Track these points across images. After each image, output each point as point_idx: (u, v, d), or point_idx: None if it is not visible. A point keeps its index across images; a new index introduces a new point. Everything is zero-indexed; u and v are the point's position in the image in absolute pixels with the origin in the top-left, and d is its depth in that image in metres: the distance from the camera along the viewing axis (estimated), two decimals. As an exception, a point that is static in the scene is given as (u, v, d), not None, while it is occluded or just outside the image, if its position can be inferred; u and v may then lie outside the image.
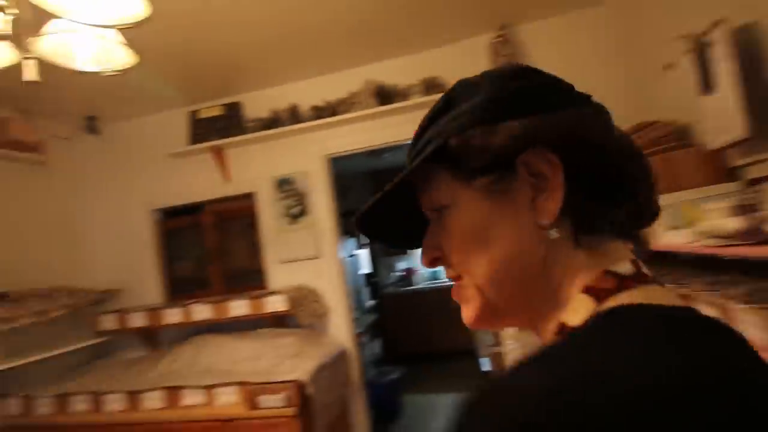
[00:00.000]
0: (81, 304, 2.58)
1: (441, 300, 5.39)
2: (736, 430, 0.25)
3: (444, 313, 5.34)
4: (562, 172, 0.36)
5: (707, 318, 0.33)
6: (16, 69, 1.21)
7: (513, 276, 0.39)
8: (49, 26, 1.16)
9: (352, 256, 4.56)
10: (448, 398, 4.13)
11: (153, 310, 2.61)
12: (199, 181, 2.90)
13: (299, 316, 2.40)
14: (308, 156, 2.73)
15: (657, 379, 0.26)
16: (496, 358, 2.22)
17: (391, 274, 5.94)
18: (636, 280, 0.35)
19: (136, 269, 2.97)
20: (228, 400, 2.15)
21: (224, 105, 2.82)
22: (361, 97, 2.58)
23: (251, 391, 2.02)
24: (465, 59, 2.49)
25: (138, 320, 2.63)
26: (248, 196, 2.88)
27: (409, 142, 0.46)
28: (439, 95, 0.46)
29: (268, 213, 2.76)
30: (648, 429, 0.25)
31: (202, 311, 2.51)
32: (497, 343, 2.22)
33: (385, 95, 2.58)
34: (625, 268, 0.36)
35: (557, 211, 0.36)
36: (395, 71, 2.62)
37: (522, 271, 0.38)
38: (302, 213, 2.70)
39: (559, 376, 0.28)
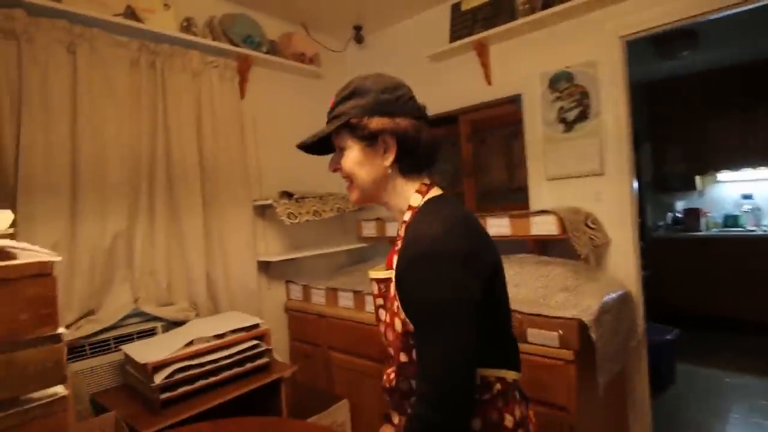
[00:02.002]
0: (348, 207, 2.70)
1: (735, 254, 4.05)
2: (488, 239, 0.88)
3: (736, 272, 4.02)
4: (395, 145, 0.87)
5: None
6: None
7: (373, 183, 0.91)
8: None
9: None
10: (739, 379, 3.14)
11: (408, 221, 2.54)
12: (456, 86, 2.62)
13: (574, 243, 1.92)
14: (596, 40, 2.08)
15: (465, 214, 0.86)
16: None
17: (667, 214, 4.76)
18: (432, 186, 0.92)
19: (392, 181, 2.98)
20: (487, 324, 1.90)
21: (490, -10, 2.38)
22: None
23: (518, 320, 1.71)
24: None
25: (393, 229, 2.62)
26: (511, 101, 2.45)
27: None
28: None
29: (536, 119, 2.29)
30: (473, 233, 0.83)
31: (457, 226, 2.29)
32: None
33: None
34: (428, 181, 0.92)
35: (391, 161, 0.88)
36: None
37: (377, 182, 0.91)
38: (582, 117, 2.13)
39: (437, 224, 0.79)
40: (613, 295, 1.87)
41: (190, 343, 1.76)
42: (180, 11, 2.25)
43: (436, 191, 0.90)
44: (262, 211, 2.59)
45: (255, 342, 1.91)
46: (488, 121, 2.58)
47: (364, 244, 2.91)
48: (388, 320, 0.86)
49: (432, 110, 2.75)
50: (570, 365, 1.59)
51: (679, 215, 4.68)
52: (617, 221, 2.09)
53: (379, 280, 0.92)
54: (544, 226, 2.00)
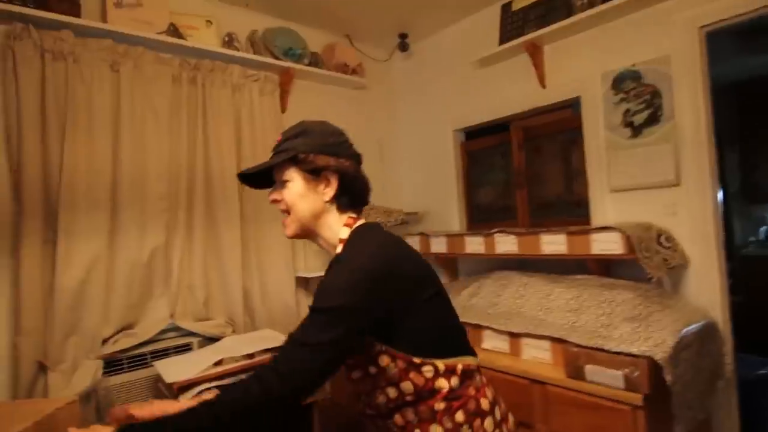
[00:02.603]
0: (390, 221, 2.58)
1: None
2: (412, 253, 0.96)
3: None
4: (337, 182, 0.97)
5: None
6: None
7: (311, 216, 0.98)
8: None
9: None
10: None
11: (454, 237, 2.37)
12: (507, 91, 2.43)
13: (644, 265, 1.66)
14: (669, 32, 1.82)
15: (387, 235, 0.96)
16: None
17: (759, 228, 4.19)
18: (359, 217, 1.01)
19: (438, 193, 2.82)
20: (538, 356, 1.69)
21: (543, -14, 2.18)
22: None
23: (573, 354, 1.49)
24: None
25: (439, 245, 2.46)
26: (568, 106, 2.23)
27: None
28: None
29: (597, 124, 2.04)
30: (394, 251, 0.92)
31: (506, 243, 2.09)
32: None
33: None
34: (355, 215, 1.00)
35: (331, 197, 0.97)
36: None
37: (314, 217, 0.98)
38: (652, 120, 1.86)
39: (368, 248, 0.90)
40: (694, 327, 1.58)
41: (220, 362, 1.70)
42: (222, 27, 2.27)
43: (361, 221, 1.00)
44: (303, 225, 2.53)
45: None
46: (543, 128, 2.36)
47: (408, 260, 2.76)
48: None
49: (480, 118, 2.58)
50: (638, 411, 1.34)
51: (775, 230, 4.09)
52: (697, 238, 1.79)
53: None
54: (607, 245, 1.75)
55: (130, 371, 1.84)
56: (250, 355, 1.76)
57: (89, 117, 1.80)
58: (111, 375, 1.79)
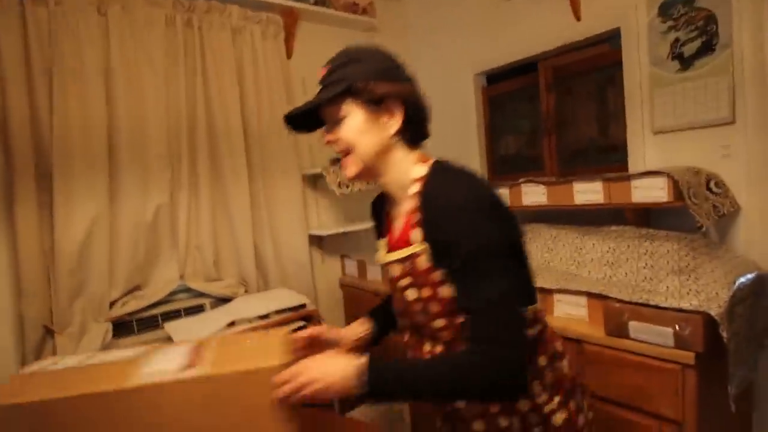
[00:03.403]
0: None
1: None
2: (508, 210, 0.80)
3: None
4: (402, 111, 0.82)
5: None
6: None
7: (375, 154, 0.84)
8: None
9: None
10: None
11: (476, 189, 2.21)
12: (535, 26, 2.18)
13: (693, 213, 1.49)
14: (729, -57, 1.56)
15: (484, 180, 0.81)
16: None
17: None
18: (429, 156, 0.87)
19: (457, 144, 2.64)
20: (572, 313, 1.56)
21: None
22: None
23: (615, 310, 1.35)
24: None
25: (460, 199, 2.31)
26: (604, 41, 1.99)
27: None
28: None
29: (640, 58, 1.82)
30: (497, 200, 0.78)
31: (534, 194, 1.92)
32: None
33: None
34: (425, 151, 0.88)
35: (397, 130, 0.83)
36: None
37: (379, 154, 0.84)
38: (706, 50, 1.63)
39: (459, 180, 0.79)
40: (747, 279, 1.43)
41: (232, 324, 1.62)
42: (218, -39, 2.05)
43: (434, 159, 0.89)
44: (314, 181, 2.39)
45: (302, 324, 1.73)
46: (575, 66, 2.13)
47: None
48: (426, 294, 0.82)
49: (504, 59, 2.33)
50: (688, 371, 1.22)
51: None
52: (753, 183, 1.60)
53: (401, 260, 0.84)
54: (650, 192, 1.57)
55: (141, 333, 1.78)
56: (264, 316, 1.68)
57: (78, 67, 1.65)
58: (121, 338, 1.72)
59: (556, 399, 0.87)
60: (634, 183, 1.60)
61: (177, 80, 1.88)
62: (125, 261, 1.74)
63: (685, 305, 1.24)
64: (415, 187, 0.82)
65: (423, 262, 0.80)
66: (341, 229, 2.28)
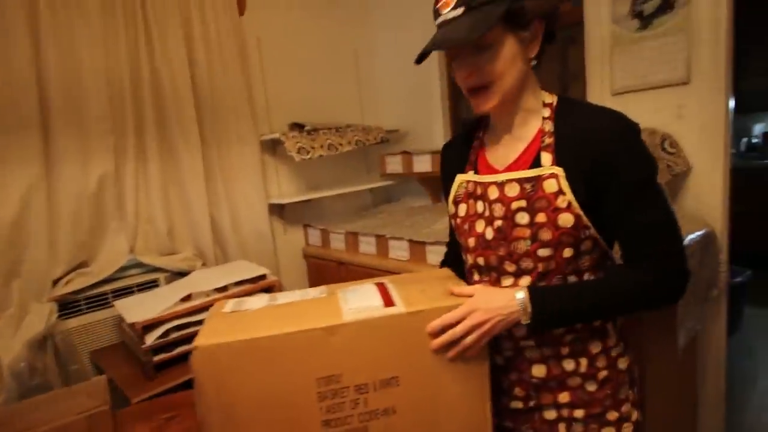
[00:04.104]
0: (369, 140, 2.36)
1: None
2: None
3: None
4: (543, 31, 0.77)
5: None
6: None
7: (517, 83, 0.77)
8: None
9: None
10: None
11: (437, 154, 2.18)
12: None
13: (650, 172, 1.53)
14: None
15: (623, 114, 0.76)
16: None
17: (741, 140, 4.14)
18: None
19: (420, 109, 2.58)
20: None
21: None
22: None
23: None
24: None
25: (423, 164, 2.28)
26: (565, -2, 1.96)
27: None
28: None
29: (601, 16, 1.80)
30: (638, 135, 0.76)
31: (497, 157, 1.92)
32: None
33: None
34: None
35: (536, 52, 0.78)
36: None
37: (520, 80, 0.78)
38: (665, 7, 1.63)
39: (606, 108, 0.77)
40: (696, 235, 1.49)
41: (188, 298, 1.55)
42: None
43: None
44: (273, 148, 2.29)
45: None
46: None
47: (389, 182, 2.59)
48: (541, 220, 0.77)
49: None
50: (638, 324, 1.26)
51: (756, 140, 4.04)
52: (704, 144, 1.65)
53: (524, 180, 0.78)
54: (608, 153, 1.60)
55: (90, 312, 1.67)
56: (223, 288, 1.61)
57: (-3, 17, 1.46)
58: (68, 317, 1.62)
59: (622, 343, 0.87)
60: (594, 144, 1.61)
61: (116, 37, 1.71)
62: (67, 235, 1.61)
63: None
64: (545, 112, 0.80)
65: (551, 185, 0.75)
66: (303, 197, 2.21)
